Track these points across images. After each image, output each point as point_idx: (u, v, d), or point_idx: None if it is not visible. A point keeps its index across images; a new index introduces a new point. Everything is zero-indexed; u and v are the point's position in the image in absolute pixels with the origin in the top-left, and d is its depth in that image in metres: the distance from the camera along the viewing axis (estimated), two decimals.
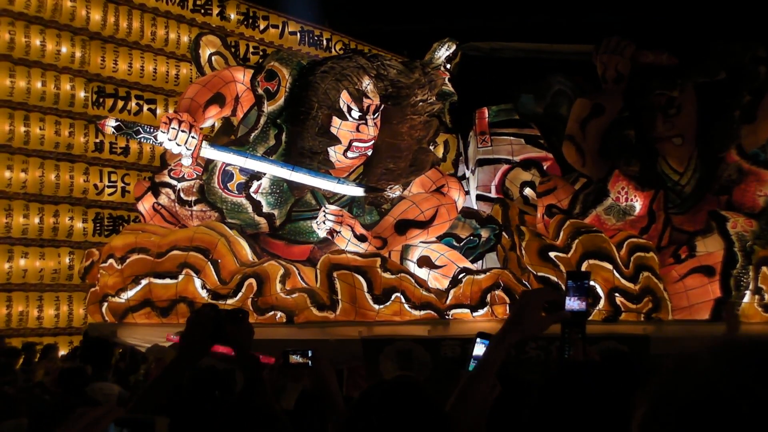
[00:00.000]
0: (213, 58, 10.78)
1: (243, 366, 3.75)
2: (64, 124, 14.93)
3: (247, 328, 3.62)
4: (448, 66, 11.69)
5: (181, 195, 10.03)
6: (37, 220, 14.62)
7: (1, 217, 14.29)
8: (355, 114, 9.47)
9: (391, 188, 9.82)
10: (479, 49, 11.87)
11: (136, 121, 10.49)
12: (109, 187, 15.55)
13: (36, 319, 14.68)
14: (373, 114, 9.55)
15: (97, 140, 15.21)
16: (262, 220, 9.76)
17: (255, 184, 9.62)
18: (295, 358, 3.52)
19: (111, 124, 9.35)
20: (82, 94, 15.20)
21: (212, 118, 10.21)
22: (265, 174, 9.60)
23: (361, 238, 9.20)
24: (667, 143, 9.93)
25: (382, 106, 9.62)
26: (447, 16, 17.22)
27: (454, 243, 10.43)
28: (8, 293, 14.46)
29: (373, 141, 9.65)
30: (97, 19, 15.29)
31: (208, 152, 9.33)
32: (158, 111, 16.12)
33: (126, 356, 10.86)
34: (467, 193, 10.81)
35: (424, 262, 9.83)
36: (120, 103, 15.70)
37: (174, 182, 10.15)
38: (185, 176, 10.12)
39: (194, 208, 9.97)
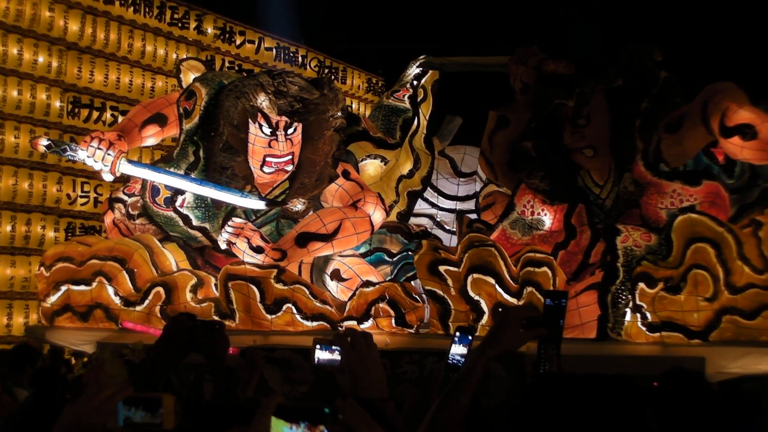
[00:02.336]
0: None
1: (215, 375, 3.78)
2: (38, 133, 15.06)
3: (221, 338, 3.65)
4: (415, 83, 11.74)
5: (129, 210, 10.70)
6: (9, 228, 14.79)
7: None
8: (266, 130, 9.78)
9: (291, 202, 10.09)
10: (431, 65, 11.83)
11: (63, 141, 11.50)
12: (81, 197, 15.70)
13: (5, 326, 14.82)
14: (285, 130, 9.78)
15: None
16: (198, 234, 10.25)
17: (180, 198, 10.17)
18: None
19: (43, 143, 10.26)
20: (57, 103, 15.38)
21: (153, 137, 10.82)
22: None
23: (258, 250, 9.45)
24: (579, 155, 9.53)
25: (296, 122, 9.84)
26: (423, 35, 17.29)
27: (386, 258, 10.53)
28: None
29: (289, 156, 9.92)
30: (74, 29, 15.49)
31: (125, 168, 9.93)
32: (137, 106, 16.21)
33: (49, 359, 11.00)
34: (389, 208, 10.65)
35: (335, 275, 10.05)
36: (95, 114, 15.89)
37: (126, 197, 10.90)
38: (136, 192, 10.71)
39: (137, 222, 10.65)
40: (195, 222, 10.12)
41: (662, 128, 9.18)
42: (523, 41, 10.33)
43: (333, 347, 2.89)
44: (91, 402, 2.51)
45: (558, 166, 9.52)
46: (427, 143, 11.73)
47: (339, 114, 10.04)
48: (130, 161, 10.06)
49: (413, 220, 11.74)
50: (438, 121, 12.25)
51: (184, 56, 16.83)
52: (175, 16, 17.35)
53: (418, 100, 11.50)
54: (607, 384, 2.50)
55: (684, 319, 8.28)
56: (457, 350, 3.37)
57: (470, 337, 3.41)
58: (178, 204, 10.15)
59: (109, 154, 9.77)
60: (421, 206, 12.13)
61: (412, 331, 9.25)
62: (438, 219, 12.20)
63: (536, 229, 9.61)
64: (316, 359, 2.95)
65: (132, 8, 16.47)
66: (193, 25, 17.70)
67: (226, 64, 18.35)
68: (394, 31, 17.85)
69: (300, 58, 20.07)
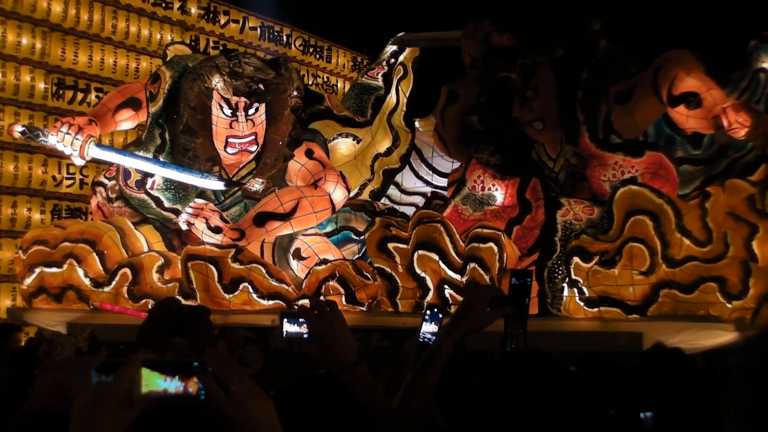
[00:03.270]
0: None
1: None
2: (23, 116, 15.04)
3: (206, 324, 3.66)
4: (392, 61, 11.72)
5: (108, 193, 11.01)
6: None
7: None
8: (227, 111, 9.97)
9: (249, 182, 10.22)
10: (403, 42, 11.76)
11: (37, 126, 11.59)
12: (67, 179, 15.65)
13: None
14: (245, 111, 9.95)
15: (57, 120, 15.31)
16: (171, 215, 10.44)
17: (150, 180, 10.47)
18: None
19: (18, 129, 10.63)
20: (42, 85, 15.30)
21: (127, 121, 11.19)
22: None
23: (216, 230, 9.61)
24: (529, 128, 9.32)
25: (255, 103, 10.00)
26: (408, 13, 17.17)
27: (353, 236, 10.61)
28: None
29: (252, 137, 10.11)
30: (58, 11, 15.39)
31: (94, 152, 10.20)
32: (112, 91, 16.21)
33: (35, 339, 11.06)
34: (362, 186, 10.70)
35: (296, 254, 10.16)
36: (80, 95, 15.80)
37: (106, 181, 11.23)
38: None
39: (114, 205, 10.93)
40: (167, 204, 10.36)
41: (613, 98, 8.94)
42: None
43: (300, 319, 2.90)
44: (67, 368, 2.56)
45: (509, 139, 9.34)
46: (406, 121, 11.65)
47: (295, 94, 10.23)
48: (99, 145, 10.28)
49: (407, 198, 11.75)
50: (420, 97, 12.13)
51: (170, 39, 16.82)
52: None
53: (398, 77, 11.46)
54: (575, 361, 2.57)
55: (620, 293, 8.07)
56: (428, 328, 3.43)
57: (441, 316, 3.46)
58: (148, 186, 10.40)
59: (77, 139, 10.04)
60: (416, 184, 12.07)
61: (363, 308, 9.28)
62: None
63: (487, 204, 9.48)
64: (284, 332, 2.91)
65: None
66: (177, 5, 17.54)
67: (211, 44, 18.24)
68: (379, 10, 17.74)
69: (285, 38, 19.91)
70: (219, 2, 18.45)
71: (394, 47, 11.70)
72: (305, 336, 2.88)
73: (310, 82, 20.67)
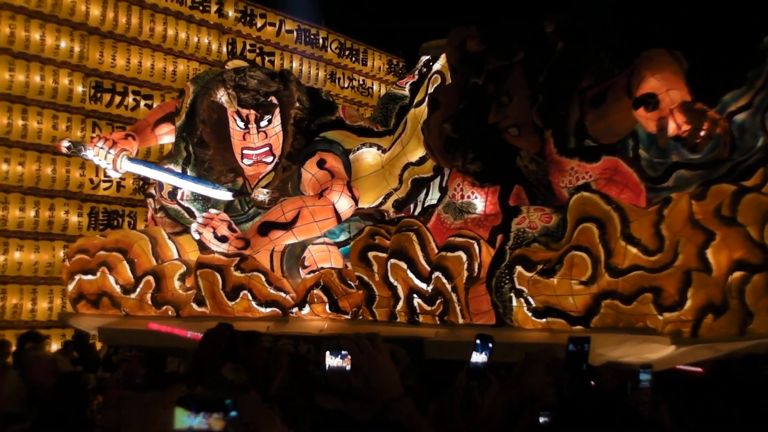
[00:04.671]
0: None
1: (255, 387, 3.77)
2: (61, 118, 15.33)
3: (260, 349, 3.65)
4: (424, 70, 11.62)
5: (155, 204, 11.43)
6: (32, 213, 15.04)
7: None
8: (240, 123, 10.32)
9: (254, 192, 10.45)
10: (427, 50, 11.65)
11: (80, 141, 12.16)
12: (104, 181, 15.89)
13: (29, 311, 15.10)
14: (257, 123, 10.26)
15: (94, 135, 15.48)
16: None
17: (179, 191, 10.87)
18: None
19: (65, 144, 10.96)
20: (80, 88, 15.58)
21: (167, 135, 11.44)
22: None
23: (222, 239, 9.83)
24: (507, 135, 9.00)
25: (265, 115, 10.30)
26: (444, 14, 17.16)
27: None
28: (3, 285, 14.89)
29: (266, 148, 10.39)
30: (96, 14, 15.66)
31: (126, 165, 10.64)
32: (155, 107, 16.36)
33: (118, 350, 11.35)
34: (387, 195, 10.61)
35: (302, 262, 10.25)
36: (117, 99, 16.07)
37: (153, 192, 11.56)
38: None
39: (158, 215, 11.36)
40: (197, 214, 10.58)
41: (588, 101, 8.57)
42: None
43: (342, 352, 2.88)
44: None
45: (489, 146, 9.05)
46: None
47: (297, 105, 10.40)
48: (131, 159, 10.66)
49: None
50: None
51: (206, 42, 17.11)
52: None
53: (435, 86, 11.39)
54: None
55: (560, 303, 7.73)
56: (478, 358, 3.38)
57: (491, 345, 3.39)
58: (179, 197, 10.83)
59: (110, 153, 10.49)
60: None
61: (348, 317, 9.34)
62: None
63: (467, 212, 9.23)
64: (327, 366, 2.92)
65: None
66: (214, 8, 17.78)
67: (248, 47, 18.43)
68: (415, 12, 17.75)
69: (321, 40, 20.16)
70: (256, 5, 18.71)
71: (427, 56, 11.59)
72: (347, 369, 2.87)
73: (346, 85, 20.71)
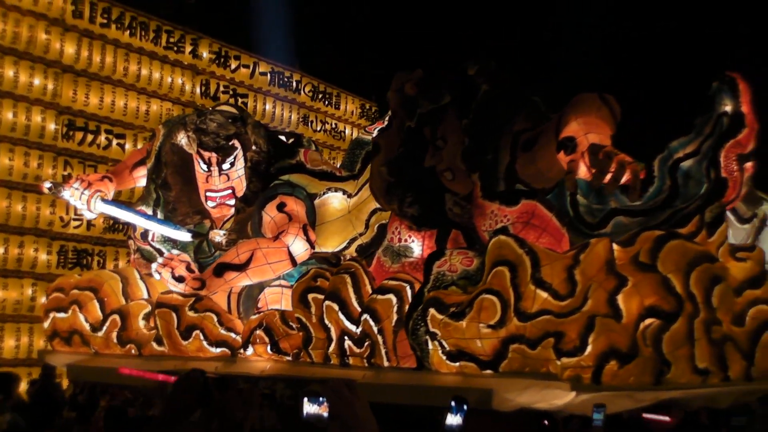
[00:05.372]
0: None
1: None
2: (33, 156, 15.30)
3: (232, 396, 3.68)
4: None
5: (134, 245, 11.74)
6: (1, 250, 14.98)
7: None
8: (203, 166, 10.65)
9: (212, 234, 10.80)
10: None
11: (60, 183, 12.13)
12: (75, 220, 15.82)
13: None
14: (219, 165, 10.58)
15: (65, 172, 15.53)
16: None
17: (150, 233, 11.13)
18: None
19: (46, 185, 11.44)
20: (52, 126, 15.57)
21: (143, 178, 11.74)
22: None
23: (179, 279, 10.11)
24: (442, 178, 9.06)
25: (225, 157, 10.58)
26: (417, 61, 17.34)
27: None
28: None
29: (228, 191, 10.70)
30: (70, 52, 15.70)
31: (99, 206, 10.98)
32: (127, 146, 16.48)
33: (84, 390, 11.31)
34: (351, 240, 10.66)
35: (255, 304, 10.45)
36: (90, 137, 16.06)
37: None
38: None
39: (134, 256, 11.72)
40: (167, 254, 10.71)
41: (520, 145, 8.62)
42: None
43: (320, 399, 2.92)
44: None
45: (426, 190, 9.08)
46: None
47: (253, 148, 10.65)
48: (104, 200, 10.98)
49: None
50: None
51: (180, 83, 17.21)
52: (171, 39, 17.54)
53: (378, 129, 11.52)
54: None
55: (469, 347, 7.73)
56: (453, 420, 3.38)
57: (465, 407, 3.42)
58: (150, 238, 11.17)
59: (84, 194, 10.80)
60: None
61: (289, 358, 9.48)
62: None
63: (404, 256, 9.28)
64: (305, 413, 2.96)
65: (128, 32, 16.69)
66: (188, 49, 17.88)
67: (221, 89, 18.51)
68: (388, 57, 17.95)
69: (294, 83, 20.29)
70: (230, 47, 18.82)
71: None
72: (325, 416, 2.90)
73: (319, 128, 20.85)
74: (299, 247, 10.06)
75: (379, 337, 8.55)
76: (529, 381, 7.43)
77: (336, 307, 8.94)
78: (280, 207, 10.36)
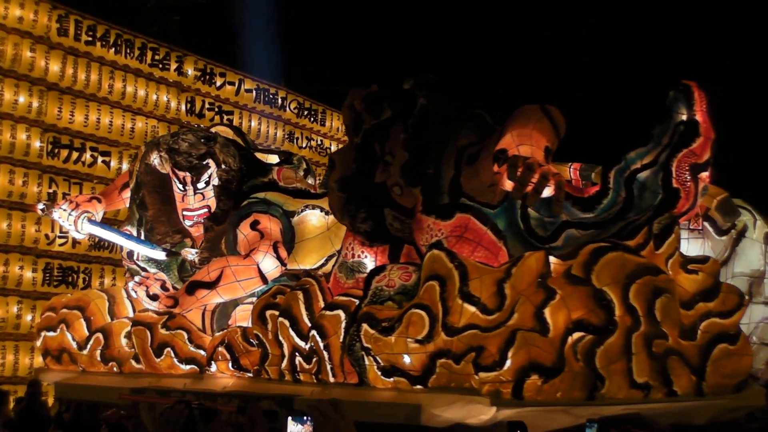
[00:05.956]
0: None
1: None
2: (18, 173, 15.35)
3: (219, 425, 3.69)
4: None
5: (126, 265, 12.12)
6: None
7: None
8: (179, 185, 10.85)
9: (183, 253, 10.97)
10: None
11: (52, 204, 12.20)
12: (60, 237, 15.89)
13: None
14: (194, 185, 10.78)
15: (51, 190, 15.60)
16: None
17: (135, 253, 11.44)
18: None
19: (39, 207, 11.94)
20: (37, 144, 15.65)
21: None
22: None
23: (153, 298, 10.45)
24: (392, 193, 9.02)
25: (197, 177, 10.78)
26: (400, 77, 17.45)
27: None
28: None
29: (204, 209, 10.87)
30: (55, 70, 15.79)
31: (86, 227, 11.38)
32: (112, 163, 16.59)
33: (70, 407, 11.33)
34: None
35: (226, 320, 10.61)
36: (75, 155, 16.14)
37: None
38: None
39: (126, 275, 12.16)
40: (153, 272, 11.06)
41: (465, 159, 8.57)
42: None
43: (305, 418, 2.94)
44: None
45: (377, 206, 9.03)
46: None
47: (222, 167, 10.78)
48: (91, 221, 11.38)
49: None
50: None
51: (165, 100, 17.29)
52: (156, 57, 17.68)
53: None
54: None
55: (397, 362, 7.69)
56: None
57: None
58: (135, 257, 11.42)
59: (71, 214, 11.22)
60: None
61: (250, 374, 9.55)
62: None
63: (358, 272, 9.21)
64: None
65: (113, 49, 16.82)
66: (173, 66, 18.02)
67: (206, 106, 18.64)
68: (373, 74, 18.02)
69: (280, 100, 20.47)
70: (215, 64, 18.95)
71: None
72: None
73: (304, 145, 20.92)
74: (269, 265, 10.11)
75: (325, 353, 8.55)
76: (455, 396, 7.34)
77: (287, 323, 8.99)
78: (254, 225, 10.41)
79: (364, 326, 7.89)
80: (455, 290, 7.51)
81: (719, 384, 8.10)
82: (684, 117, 8.47)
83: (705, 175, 8.52)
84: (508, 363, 7.10)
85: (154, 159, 10.79)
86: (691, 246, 9.46)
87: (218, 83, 19.02)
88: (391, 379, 7.82)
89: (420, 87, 9.05)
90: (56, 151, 15.96)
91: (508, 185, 7.54)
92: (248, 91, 19.66)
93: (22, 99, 15.43)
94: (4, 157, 15.28)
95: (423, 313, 7.57)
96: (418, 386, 7.64)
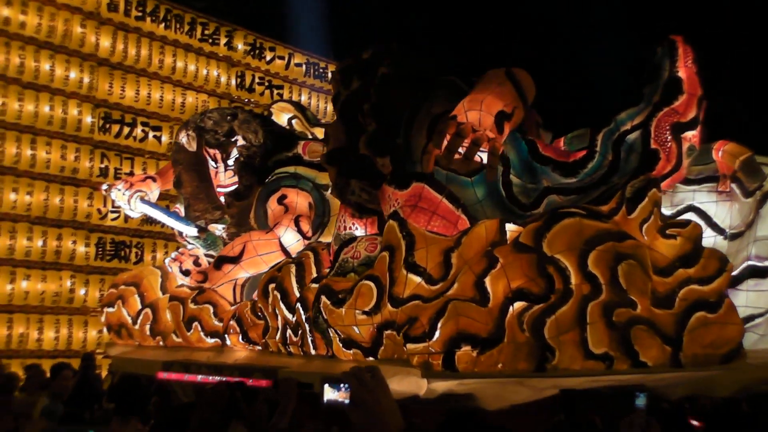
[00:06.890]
0: (293, 121, 12.46)
1: None
2: (70, 149, 15.65)
3: (261, 407, 3.69)
4: None
5: None
6: (40, 243, 15.33)
7: (4, 239, 15.14)
8: (212, 163, 11.16)
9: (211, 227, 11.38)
10: None
11: (111, 184, 12.89)
12: (112, 212, 16.20)
13: (36, 341, 15.47)
14: (224, 162, 11.03)
15: (102, 165, 15.92)
16: (210, 259, 11.39)
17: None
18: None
19: (104, 187, 12.85)
20: (89, 119, 15.92)
21: None
22: None
23: (185, 273, 10.77)
24: (377, 164, 8.81)
25: (223, 154, 11.07)
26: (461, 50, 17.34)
27: None
28: (9, 315, 15.18)
29: (235, 186, 10.99)
30: (106, 45, 16.04)
31: (139, 206, 12.12)
32: (163, 138, 16.83)
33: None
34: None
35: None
36: (126, 129, 16.43)
37: None
38: None
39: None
40: (203, 251, 11.43)
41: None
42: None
43: (341, 385, 2.89)
44: None
45: (365, 177, 8.84)
46: None
47: (242, 143, 10.97)
48: (143, 201, 12.09)
49: None
50: None
51: (216, 75, 17.29)
52: (206, 32, 17.93)
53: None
54: None
55: (349, 334, 7.60)
56: None
57: None
58: (184, 234, 11.69)
59: (125, 194, 11.81)
60: None
61: (259, 347, 9.70)
62: None
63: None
64: (325, 399, 2.97)
65: (163, 24, 17.08)
66: (223, 41, 18.22)
67: (256, 80, 18.68)
68: (422, 46, 17.91)
69: (329, 74, 20.35)
70: (265, 38, 19.06)
71: None
72: (346, 402, 2.91)
73: None
74: (290, 238, 10.30)
75: (307, 325, 8.56)
76: (396, 368, 7.12)
77: (279, 296, 9.08)
78: (280, 199, 10.64)
79: (323, 298, 7.85)
80: (400, 260, 7.40)
81: (699, 354, 7.54)
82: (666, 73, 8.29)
83: (692, 134, 8.22)
84: (437, 334, 6.94)
85: (182, 138, 11.18)
86: (719, 209, 8.94)
87: (268, 57, 19.32)
88: (351, 351, 7.81)
89: (379, 57, 8.96)
90: (107, 126, 16.25)
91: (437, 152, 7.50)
92: (298, 65, 19.90)
93: (73, 74, 15.71)
94: (56, 132, 15.59)
95: (372, 284, 7.50)
96: (371, 358, 7.57)
